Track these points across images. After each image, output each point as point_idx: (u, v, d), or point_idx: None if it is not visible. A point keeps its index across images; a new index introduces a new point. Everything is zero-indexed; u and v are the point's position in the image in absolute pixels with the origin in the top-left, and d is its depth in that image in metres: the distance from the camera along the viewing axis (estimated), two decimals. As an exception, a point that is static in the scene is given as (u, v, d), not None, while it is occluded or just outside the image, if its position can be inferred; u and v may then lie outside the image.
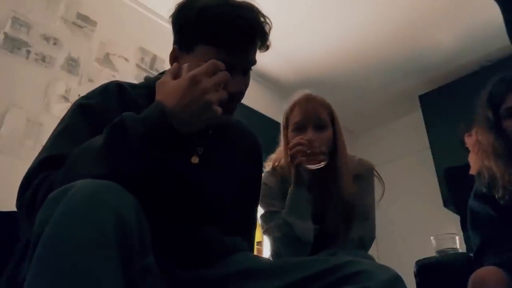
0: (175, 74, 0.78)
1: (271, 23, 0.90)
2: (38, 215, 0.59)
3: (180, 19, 0.89)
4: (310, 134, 1.30)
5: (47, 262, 0.53)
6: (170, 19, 0.91)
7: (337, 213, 1.28)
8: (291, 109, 1.38)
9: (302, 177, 1.28)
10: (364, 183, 1.36)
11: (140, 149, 0.69)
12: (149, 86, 0.92)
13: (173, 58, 0.91)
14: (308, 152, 1.24)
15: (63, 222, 0.55)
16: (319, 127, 1.33)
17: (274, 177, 1.40)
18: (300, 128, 1.34)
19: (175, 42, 0.92)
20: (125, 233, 0.56)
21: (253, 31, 0.86)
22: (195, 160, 0.88)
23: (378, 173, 1.41)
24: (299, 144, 1.25)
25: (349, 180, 1.31)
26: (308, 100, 1.36)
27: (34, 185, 0.72)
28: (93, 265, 0.52)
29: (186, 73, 0.75)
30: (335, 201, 1.29)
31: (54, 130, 0.84)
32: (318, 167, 1.25)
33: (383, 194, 1.39)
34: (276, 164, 1.43)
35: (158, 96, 0.75)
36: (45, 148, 0.80)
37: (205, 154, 0.89)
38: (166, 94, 0.73)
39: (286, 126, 1.39)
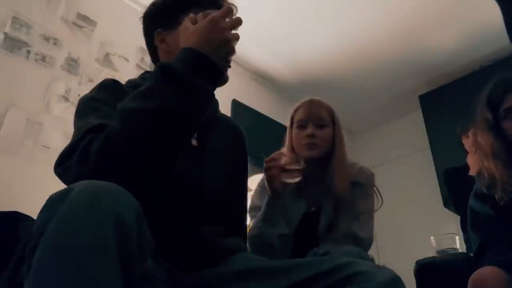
0: (194, 22, 0.86)
1: None
2: (38, 216, 0.59)
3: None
4: (310, 130, 1.42)
5: (48, 265, 0.53)
6: (152, 7, 1.05)
7: (332, 207, 1.35)
8: (296, 109, 1.52)
9: (277, 192, 1.29)
10: (363, 188, 1.40)
11: (188, 80, 0.75)
12: (136, 86, 0.95)
13: (160, 40, 1.02)
14: (283, 167, 1.26)
15: (63, 225, 0.55)
16: (320, 125, 1.44)
17: None
18: (302, 126, 1.45)
19: (157, 28, 1.04)
20: (124, 236, 0.56)
21: None
22: (194, 142, 0.90)
23: (377, 188, 1.43)
24: (273, 160, 1.27)
25: (345, 178, 1.37)
26: (312, 102, 1.50)
27: (84, 142, 0.73)
28: (92, 268, 0.52)
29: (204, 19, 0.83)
30: (330, 196, 1.36)
31: (77, 124, 0.83)
32: (292, 182, 1.28)
33: (380, 206, 1.42)
34: None
35: (183, 41, 0.83)
36: (79, 128, 0.80)
37: (199, 140, 0.91)
38: (189, 36, 0.82)
39: (291, 125, 1.51)
